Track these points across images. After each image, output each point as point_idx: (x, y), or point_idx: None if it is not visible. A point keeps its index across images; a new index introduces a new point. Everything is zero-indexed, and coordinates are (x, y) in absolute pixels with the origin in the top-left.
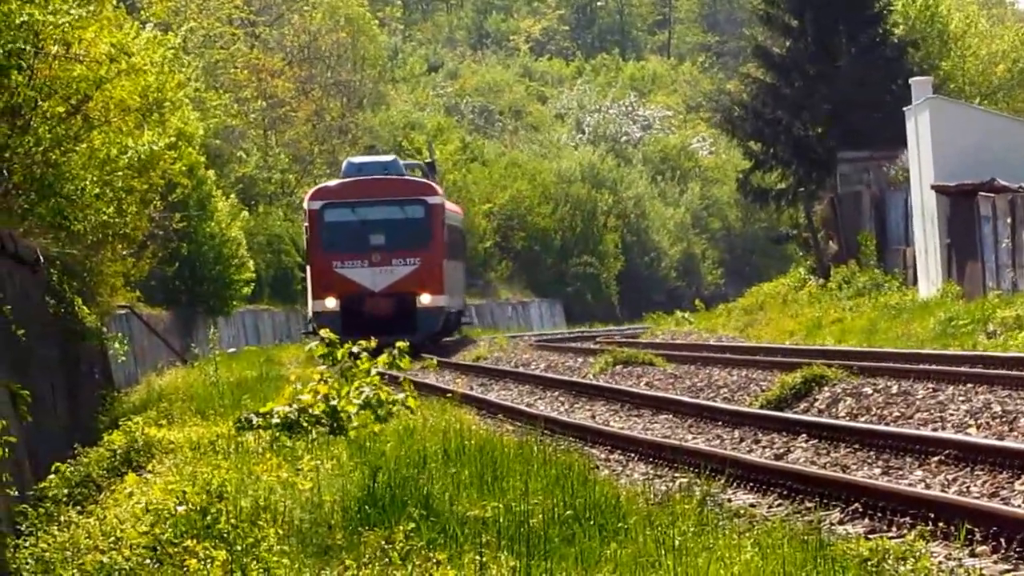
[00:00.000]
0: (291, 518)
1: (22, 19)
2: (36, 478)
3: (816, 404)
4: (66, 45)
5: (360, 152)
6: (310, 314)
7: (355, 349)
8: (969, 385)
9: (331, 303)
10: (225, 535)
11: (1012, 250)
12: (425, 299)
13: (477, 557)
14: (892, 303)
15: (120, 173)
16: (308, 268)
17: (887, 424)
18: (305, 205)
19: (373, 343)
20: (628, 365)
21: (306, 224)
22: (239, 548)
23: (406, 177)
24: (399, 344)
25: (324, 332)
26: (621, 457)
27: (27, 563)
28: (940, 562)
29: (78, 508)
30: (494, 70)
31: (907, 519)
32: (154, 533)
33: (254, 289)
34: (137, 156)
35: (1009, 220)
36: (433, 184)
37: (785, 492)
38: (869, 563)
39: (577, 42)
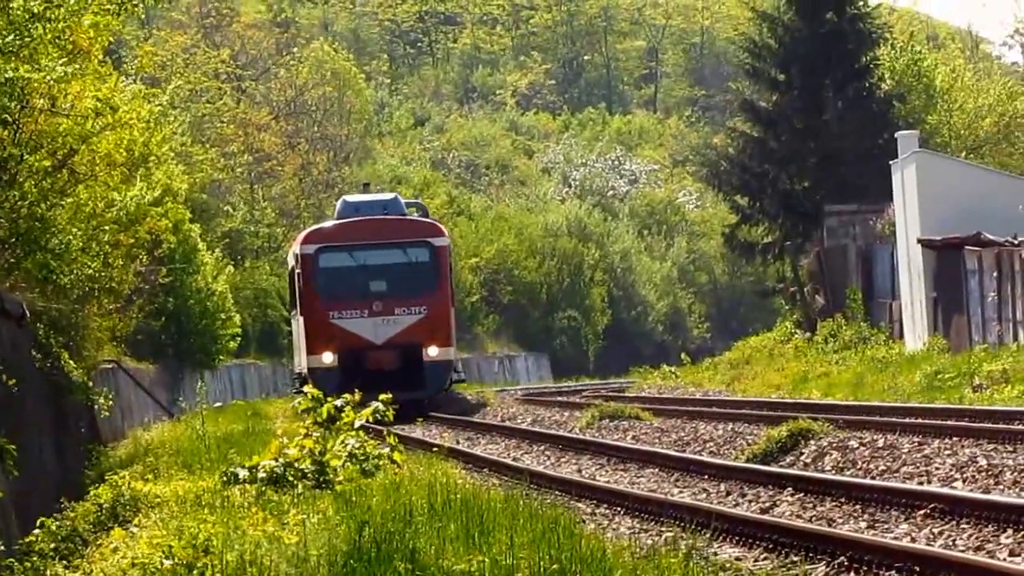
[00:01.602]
0: (277, 572)
1: (8, 75)
2: (23, 532)
3: (802, 458)
4: (52, 100)
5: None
6: (298, 369)
7: (339, 403)
8: (955, 439)
9: (328, 358)
10: None
11: (998, 304)
12: (433, 351)
13: None
14: (878, 357)
15: (106, 227)
16: (299, 320)
17: (873, 478)
18: (296, 250)
19: (358, 397)
20: (614, 419)
21: (298, 271)
22: None
23: (408, 217)
24: (381, 397)
25: (308, 388)
26: (607, 511)
27: None
28: None
29: (64, 563)
30: (480, 124)
31: (892, 573)
32: None
33: (240, 343)
34: (123, 211)
35: (995, 274)
36: (438, 224)
37: (771, 546)
38: None
39: (564, 96)
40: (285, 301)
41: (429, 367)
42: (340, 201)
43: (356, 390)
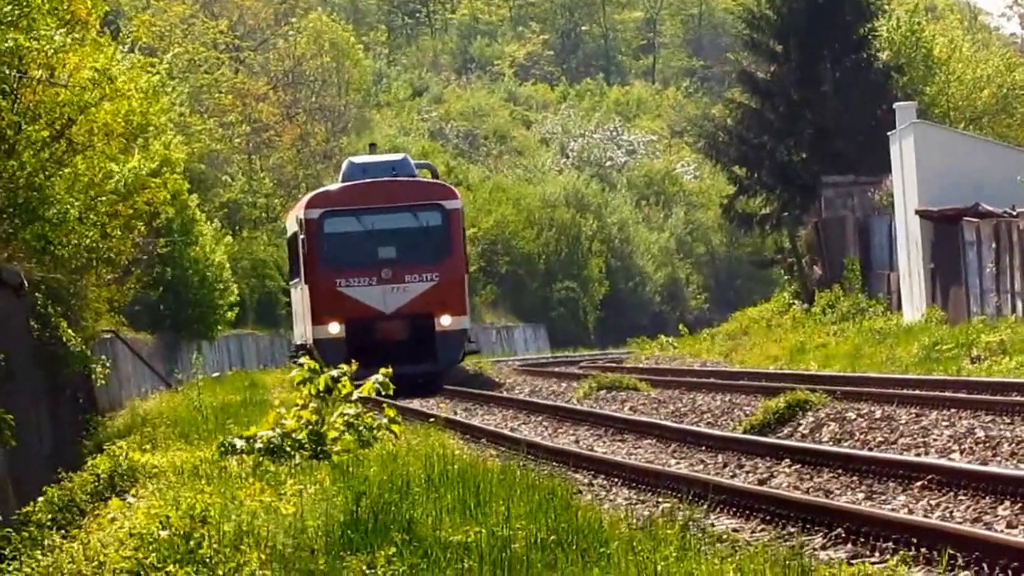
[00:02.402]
0: (274, 543)
1: (6, 45)
2: (19, 502)
3: (799, 429)
4: (50, 70)
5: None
6: (300, 340)
7: (335, 373)
8: (952, 410)
9: (334, 328)
10: (208, 560)
11: (996, 275)
12: (445, 321)
13: None
14: (876, 328)
15: (104, 198)
16: (303, 289)
17: (870, 449)
18: (300, 214)
19: (355, 367)
20: (612, 390)
21: (302, 236)
22: (221, 573)
23: (419, 178)
24: (382, 371)
25: (305, 359)
26: (604, 482)
27: None
28: None
29: (62, 532)
30: (479, 95)
31: (890, 544)
32: (137, 558)
33: (238, 314)
34: (121, 181)
35: (993, 245)
36: (450, 186)
37: (768, 517)
38: None
39: (562, 67)
40: (283, 271)
41: (441, 338)
42: (346, 162)
43: (364, 362)
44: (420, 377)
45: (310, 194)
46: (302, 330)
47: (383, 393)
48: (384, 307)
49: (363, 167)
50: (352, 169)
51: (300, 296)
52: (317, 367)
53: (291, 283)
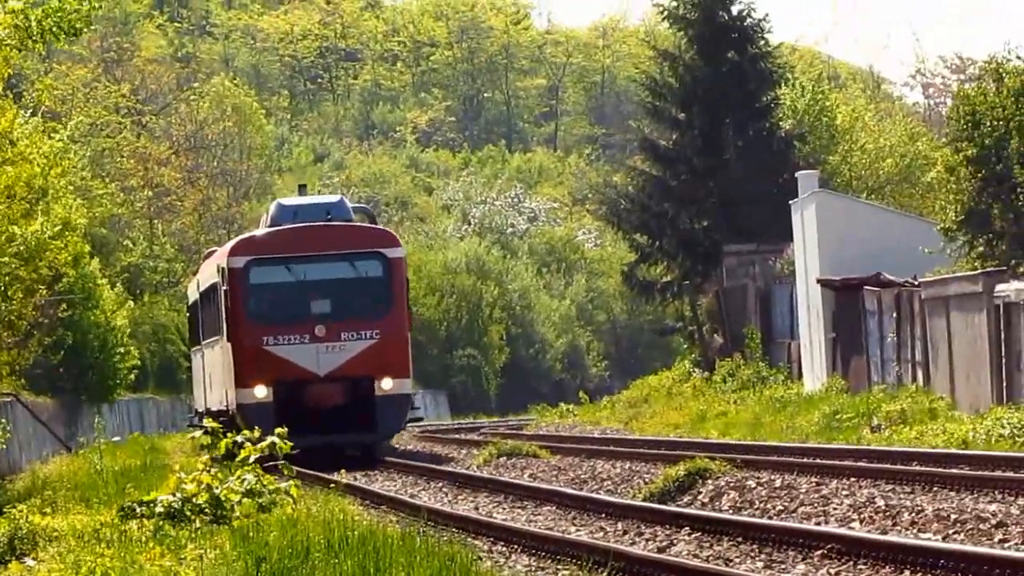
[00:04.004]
0: None
1: None
2: None
3: (700, 497)
4: None
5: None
6: (217, 407)
7: (239, 438)
8: (853, 479)
9: (261, 392)
10: None
11: (897, 345)
12: (387, 385)
13: None
14: (777, 396)
15: (6, 259)
16: (222, 347)
17: (770, 518)
18: (222, 263)
19: (257, 433)
20: (512, 457)
21: (224, 288)
22: None
23: (356, 223)
24: (279, 431)
25: (208, 422)
26: (504, 549)
27: None
28: None
29: None
30: (380, 161)
31: None
32: None
33: (139, 378)
34: (23, 245)
35: (894, 315)
36: (391, 232)
37: None
38: None
39: (464, 133)
40: (183, 336)
41: (382, 403)
42: (274, 204)
43: (294, 430)
44: (356, 448)
45: (233, 240)
46: (213, 395)
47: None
48: (317, 368)
49: (293, 210)
50: (281, 212)
51: (218, 356)
52: (219, 429)
53: (192, 349)
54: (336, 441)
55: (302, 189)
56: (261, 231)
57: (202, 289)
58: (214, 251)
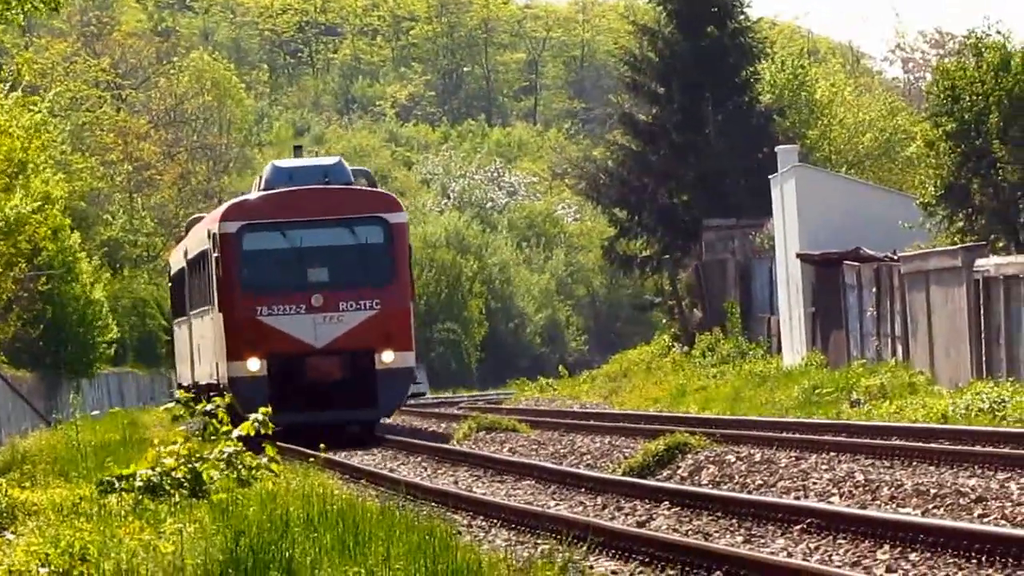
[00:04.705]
0: None
1: None
2: None
3: (679, 472)
4: None
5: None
6: (192, 381)
7: (210, 407)
8: (832, 454)
9: (254, 365)
10: None
11: (877, 319)
12: (388, 358)
13: None
14: (756, 371)
15: None
16: (212, 318)
17: (750, 492)
18: (213, 228)
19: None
20: (491, 431)
21: (215, 255)
22: None
23: (356, 187)
24: (262, 409)
25: (180, 394)
26: (483, 523)
27: None
28: None
29: None
30: (360, 135)
31: None
32: None
33: (118, 352)
34: (3, 219)
35: (874, 289)
36: (393, 196)
37: (647, 559)
38: None
39: (443, 108)
40: (164, 310)
41: (383, 377)
42: (269, 166)
43: (289, 406)
44: (355, 424)
45: (225, 204)
46: (189, 369)
47: (263, 433)
48: (314, 340)
49: (289, 172)
50: (276, 174)
51: (207, 327)
52: (189, 398)
53: (176, 321)
54: (334, 418)
55: (297, 151)
56: (255, 195)
57: (190, 257)
58: (200, 217)
